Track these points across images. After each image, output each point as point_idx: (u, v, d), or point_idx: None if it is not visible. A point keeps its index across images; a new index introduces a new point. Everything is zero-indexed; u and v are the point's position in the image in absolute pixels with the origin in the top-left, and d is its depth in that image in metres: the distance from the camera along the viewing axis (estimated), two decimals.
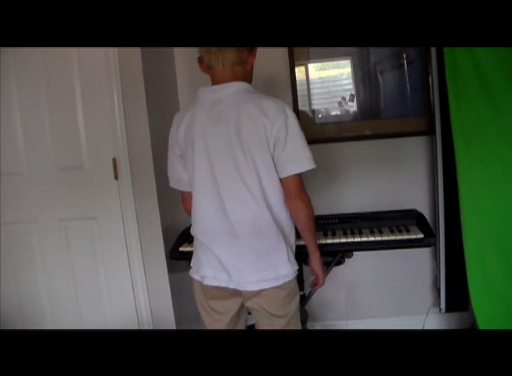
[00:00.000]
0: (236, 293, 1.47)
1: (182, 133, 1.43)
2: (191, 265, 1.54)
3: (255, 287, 1.41)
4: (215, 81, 1.42)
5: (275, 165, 1.38)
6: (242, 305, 1.51)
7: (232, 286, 1.44)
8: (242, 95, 1.39)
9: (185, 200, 1.56)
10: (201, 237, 1.46)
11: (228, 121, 1.36)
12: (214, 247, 1.43)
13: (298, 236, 1.52)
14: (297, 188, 1.39)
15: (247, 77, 1.45)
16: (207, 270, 1.46)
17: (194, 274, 1.51)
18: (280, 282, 1.42)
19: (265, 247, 1.40)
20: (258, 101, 1.36)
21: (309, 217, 1.44)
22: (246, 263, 1.40)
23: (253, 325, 1.59)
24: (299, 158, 1.37)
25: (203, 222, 1.44)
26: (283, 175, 1.38)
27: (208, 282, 1.46)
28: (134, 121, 1.98)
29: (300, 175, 1.39)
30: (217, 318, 1.51)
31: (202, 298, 1.52)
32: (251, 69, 1.48)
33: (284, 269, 1.42)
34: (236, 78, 1.40)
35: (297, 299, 1.50)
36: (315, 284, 1.60)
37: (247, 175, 1.37)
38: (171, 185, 1.57)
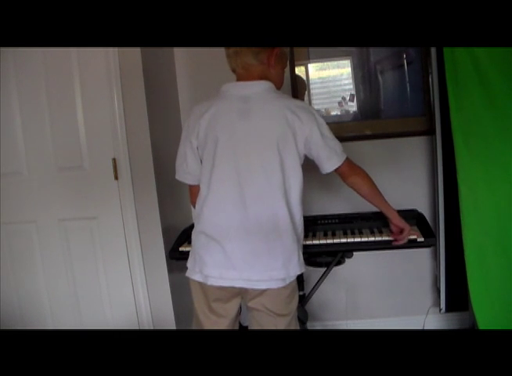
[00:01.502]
0: (238, 293, 1.46)
1: (204, 126, 1.41)
2: (187, 265, 1.50)
3: (263, 286, 1.41)
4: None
5: (301, 163, 1.43)
6: (240, 306, 1.51)
7: (238, 284, 1.42)
8: (270, 93, 1.41)
9: (194, 193, 1.53)
10: (212, 232, 1.42)
11: (258, 117, 1.37)
12: (226, 243, 1.40)
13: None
14: (348, 170, 1.49)
15: (273, 79, 1.45)
16: (211, 270, 1.42)
17: (194, 275, 1.47)
18: (287, 282, 1.43)
19: (281, 246, 1.40)
20: (287, 101, 1.41)
21: (371, 185, 1.53)
22: (259, 260, 1.39)
23: (247, 327, 1.58)
24: (336, 151, 1.45)
25: (219, 216, 1.42)
26: (327, 170, 1.46)
27: (213, 282, 1.43)
28: (134, 121, 1.98)
29: (345, 161, 1.47)
30: (216, 321, 1.49)
31: (201, 300, 1.49)
32: (279, 72, 1.48)
33: (294, 270, 1.43)
34: (260, 78, 1.42)
35: (297, 298, 1.51)
36: (402, 237, 1.65)
37: (272, 172, 1.37)
38: (178, 177, 1.55)
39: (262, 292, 1.42)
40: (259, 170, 1.37)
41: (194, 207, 1.55)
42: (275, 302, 1.44)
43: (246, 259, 1.40)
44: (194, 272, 1.48)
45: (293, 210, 1.42)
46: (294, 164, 1.39)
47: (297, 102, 1.43)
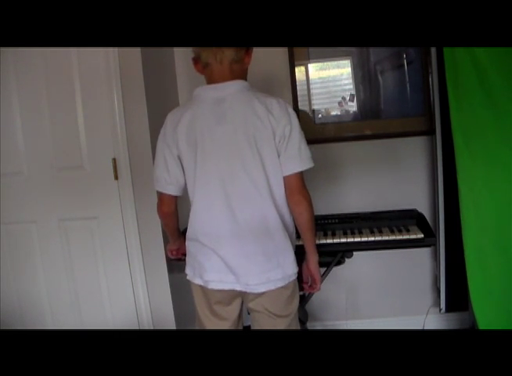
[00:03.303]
0: (238, 295, 1.46)
1: (183, 133, 1.39)
2: (186, 272, 1.50)
3: (262, 289, 1.41)
4: (213, 80, 1.40)
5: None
6: (242, 308, 1.51)
7: (238, 288, 1.42)
8: (245, 93, 1.39)
9: (164, 202, 1.50)
10: (204, 240, 1.42)
11: (234, 119, 1.36)
12: (219, 249, 1.40)
13: (298, 236, 1.52)
14: (300, 185, 1.40)
15: (244, 78, 1.45)
16: (211, 274, 1.43)
17: (195, 279, 1.47)
18: (286, 282, 1.42)
19: (273, 246, 1.40)
20: (262, 99, 1.37)
21: (311, 214, 1.44)
22: (254, 264, 1.39)
23: (249, 326, 1.58)
24: (301, 157, 1.38)
25: (208, 223, 1.41)
26: (285, 173, 1.38)
27: (213, 286, 1.43)
28: (134, 121, 1.98)
29: (301, 173, 1.40)
30: (218, 323, 1.49)
31: (203, 303, 1.49)
32: (247, 71, 1.47)
33: (290, 269, 1.43)
34: (235, 77, 1.39)
35: (297, 298, 1.51)
36: (312, 288, 1.56)
37: (255, 173, 1.36)
38: (158, 188, 1.49)
39: (262, 293, 1.42)
40: (242, 173, 1.36)
41: (163, 215, 1.54)
42: (275, 303, 1.44)
43: (242, 264, 1.40)
44: (195, 277, 1.48)
45: (282, 209, 1.42)
46: (274, 161, 1.37)
47: (273, 99, 1.38)
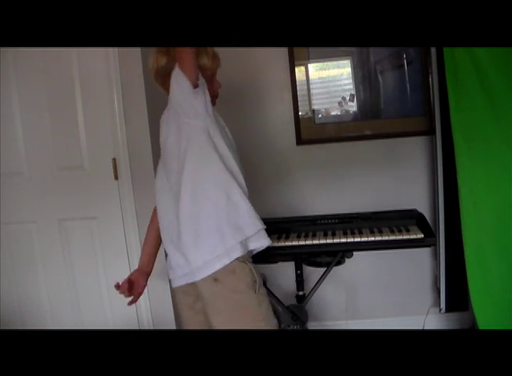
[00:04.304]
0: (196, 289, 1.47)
1: None
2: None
3: (207, 272, 1.39)
4: None
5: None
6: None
7: (190, 280, 1.45)
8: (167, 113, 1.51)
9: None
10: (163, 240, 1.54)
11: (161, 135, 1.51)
12: (166, 247, 1.52)
13: (298, 235, 1.52)
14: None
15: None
16: (170, 273, 1.54)
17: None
18: (231, 258, 1.38)
19: (201, 233, 1.40)
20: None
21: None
22: (190, 252, 1.41)
23: None
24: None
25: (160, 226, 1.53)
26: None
27: (175, 284, 1.54)
28: (134, 121, 1.98)
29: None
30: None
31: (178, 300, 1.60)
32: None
33: (225, 242, 1.39)
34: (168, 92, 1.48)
35: (246, 315, 1.48)
36: None
37: (172, 182, 1.44)
38: None
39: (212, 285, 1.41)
40: (165, 182, 1.48)
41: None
42: (212, 309, 1.44)
43: (182, 255, 1.44)
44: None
45: (197, 205, 1.40)
46: (181, 168, 1.40)
47: None
